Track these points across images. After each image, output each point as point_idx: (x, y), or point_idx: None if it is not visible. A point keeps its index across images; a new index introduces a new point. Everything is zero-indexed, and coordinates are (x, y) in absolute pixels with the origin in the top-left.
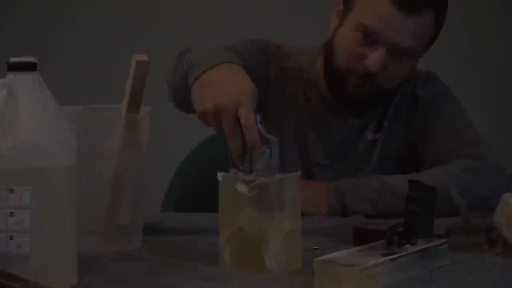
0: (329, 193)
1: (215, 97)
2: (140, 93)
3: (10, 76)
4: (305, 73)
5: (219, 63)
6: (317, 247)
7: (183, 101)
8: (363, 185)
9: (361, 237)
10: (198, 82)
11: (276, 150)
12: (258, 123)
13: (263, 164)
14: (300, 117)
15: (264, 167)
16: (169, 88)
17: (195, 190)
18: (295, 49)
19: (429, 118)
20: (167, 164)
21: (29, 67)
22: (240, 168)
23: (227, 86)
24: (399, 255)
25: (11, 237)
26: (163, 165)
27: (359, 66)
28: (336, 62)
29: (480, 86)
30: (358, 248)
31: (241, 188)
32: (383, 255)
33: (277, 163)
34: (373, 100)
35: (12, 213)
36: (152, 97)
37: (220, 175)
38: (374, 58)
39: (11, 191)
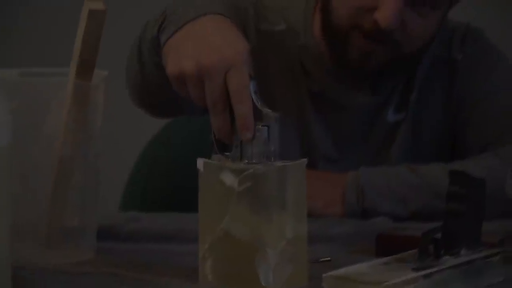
0: (345, 188)
1: (198, 55)
2: (93, 53)
3: None
4: (298, 37)
5: (203, 14)
6: (329, 258)
7: (149, 94)
8: (390, 177)
9: (386, 246)
10: (174, 40)
11: (275, 129)
12: (253, 93)
13: (258, 147)
14: (299, 97)
15: (259, 152)
16: (128, 78)
17: (165, 182)
18: (282, 5)
19: (473, 90)
20: (128, 149)
21: None
22: (227, 153)
23: (214, 42)
24: (436, 269)
25: None
26: (123, 150)
27: (366, 22)
28: (334, 17)
29: None
30: (383, 260)
31: (229, 179)
32: (415, 269)
33: (276, 146)
34: (388, 71)
35: None
36: (111, 61)
37: (200, 163)
38: (388, 9)
39: None
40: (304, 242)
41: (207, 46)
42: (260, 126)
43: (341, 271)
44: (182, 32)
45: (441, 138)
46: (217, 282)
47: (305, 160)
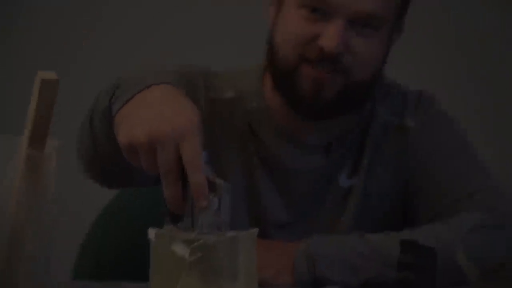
0: (296, 257)
1: (149, 124)
2: (46, 123)
3: None
4: (249, 101)
5: (153, 84)
6: None
7: (101, 165)
8: (341, 246)
9: None
10: (125, 110)
11: (227, 199)
12: (205, 163)
13: (209, 218)
14: (248, 161)
15: (210, 222)
16: (80, 149)
17: (118, 251)
18: (232, 74)
19: (424, 157)
20: (81, 215)
21: None
22: (179, 223)
23: (166, 112)
24: None
25: None
26: (75, 217)
27: (312, 51)
28: (281, 56)
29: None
30: None
31: (180, 249)
32: None
33: (227, 217)
34: (345, 105)
35: None
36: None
37: (151, 233)
38: (331, 33)
39: None
40: None
41: (158, 116)
42: (211, 197)
43: None
44: (133, 102)
45: (392, 205)
46: None
47: (256, 230)
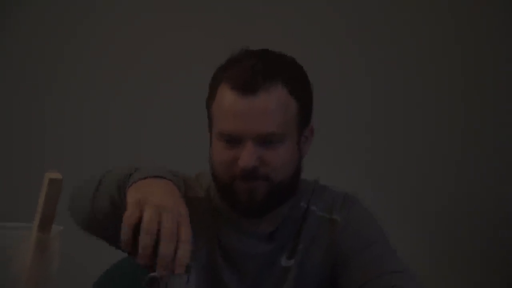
0: None
1: (162, 196)
2: (52, 212)
3: None
4: (210, 201)
5: (162, 176)
6: None
7: (100, 223)
8: None
9: None
10: (140, 183)
11: (193, 277)
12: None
13: None
14: (212, 247)
15: None
16: (76, 210)
17: None
18: (204, 175)
19: (348, 245)
20: (80, 280)
21: None
22: None
23: (171, 197)
24: None
25: None
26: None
27: (237, 169)
28: (218, 176)
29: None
30: None
31: None
32: None
33: None
34: (274, 202)
35: None
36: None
37: None
38: (243, 155)
39: None
40: None
41: (166, 196)
42: (184, 274)
43: None
44: (146, 181)
45: (322, 282)
46: None
47: None
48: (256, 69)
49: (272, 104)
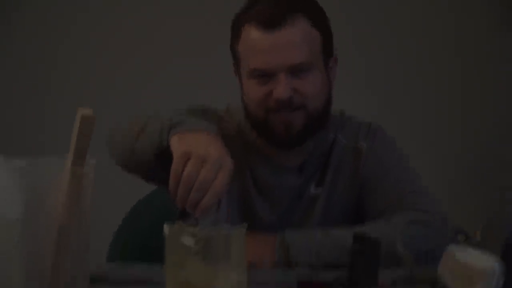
0: (274, 246)
1: (207, 148)
2: (85, 148)
3: None
4: (243, 135)
5: (205, 129)
6: None
7: (134, 164)
8: (308, 238)
9: None
10: (185, 135)
11: (224, 203)
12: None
13: (209, 217)
14: (244, 178)
15: (210, 221)
16: (114, 150)
17: (142, 240)
18: (235, 111)
19: (373, 171)
20: (113, 212)
21: None
22: (187, 221)
23: (216, 148)
24: None
25: None
26: (109, 213)
27: (271, 102)
28: (251, 111)
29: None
30: None
31: (187, 241)
32: None
33: (224, 216)
34: (309, 133)
35: None
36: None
37: (166, 228)
38: (278, 87)
39: None
40: (245, 286)
41: (211, 146)
42: None
43: None
44: (191, 134)
45: (348, 207)
46: None
47: (245, 225)
48: (279, 3)
49: (297, 36)
